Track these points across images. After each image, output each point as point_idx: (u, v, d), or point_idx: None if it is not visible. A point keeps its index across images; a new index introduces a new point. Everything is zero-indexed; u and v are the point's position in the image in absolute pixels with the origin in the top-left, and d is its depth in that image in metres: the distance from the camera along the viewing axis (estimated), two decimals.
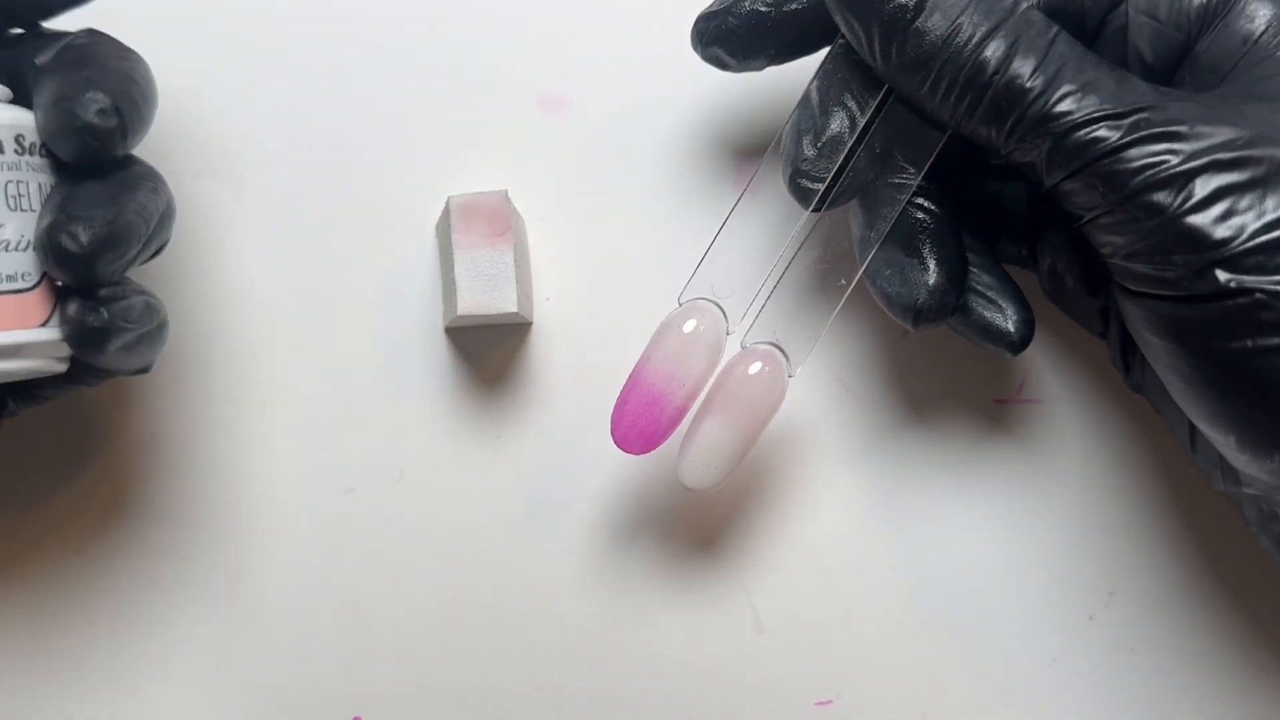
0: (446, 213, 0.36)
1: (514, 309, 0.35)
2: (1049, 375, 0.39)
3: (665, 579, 0.38)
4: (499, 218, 0.35)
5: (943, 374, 0.39)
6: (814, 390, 0.39)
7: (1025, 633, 0.38)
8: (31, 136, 0.32)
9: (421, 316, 0.39)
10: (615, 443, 0.34)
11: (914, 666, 0.38)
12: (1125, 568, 0.38)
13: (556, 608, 0.38)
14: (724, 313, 0.34)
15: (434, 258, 0.39)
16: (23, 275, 0.31)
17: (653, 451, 0.34)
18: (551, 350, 0.39)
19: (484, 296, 0.35)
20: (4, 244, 0.31)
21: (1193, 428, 0.33)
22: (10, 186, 0.31)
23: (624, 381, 0.34)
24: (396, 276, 0.39)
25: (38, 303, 0.31)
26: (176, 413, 0.39)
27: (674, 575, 0.38)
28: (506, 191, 0.35)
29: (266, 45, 0.40)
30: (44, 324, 0.31)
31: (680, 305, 0.34)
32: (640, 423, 0.34)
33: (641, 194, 0.39)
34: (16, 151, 0.32)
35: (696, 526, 0.38)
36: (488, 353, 0.39)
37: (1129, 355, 0.34)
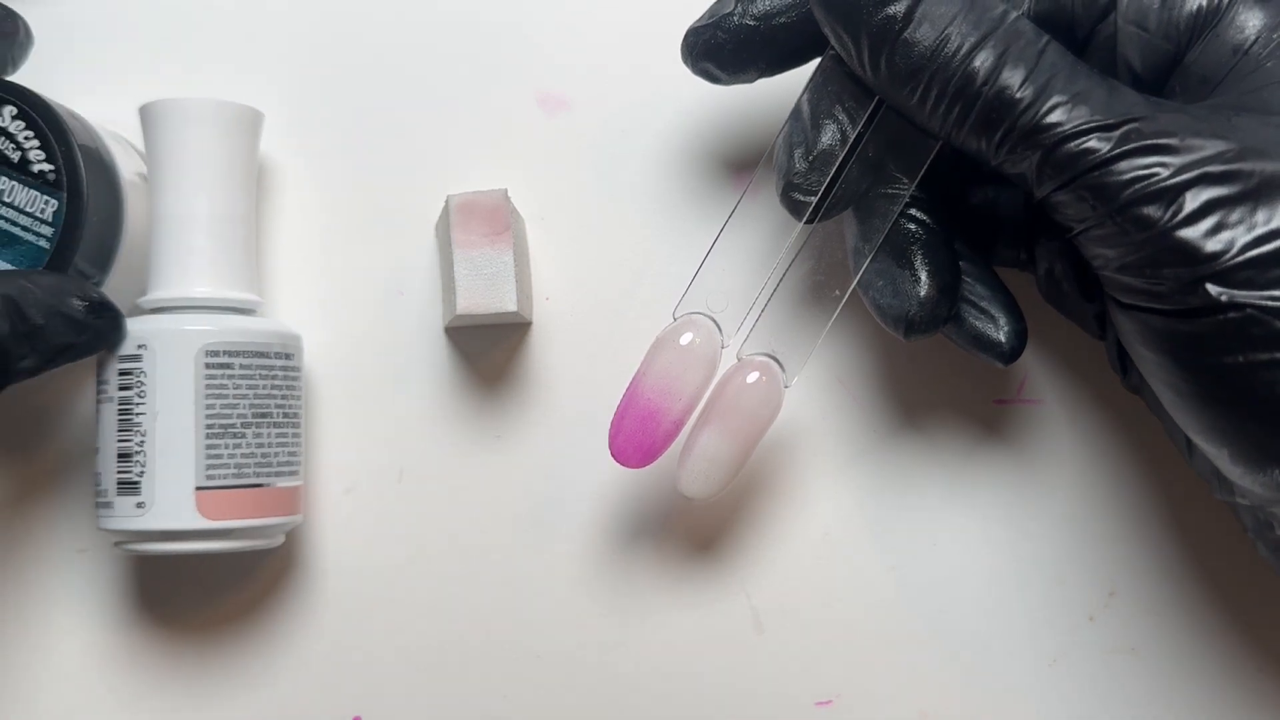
0: (446, 212, 0.36)
1: (514, 308, 0.35)
2: (1049, 376, 0.38)
3: (665, 579, 0.38)
4: (498, 217, 0.35)
5: (942, 376, 0.39)
6: (813, 392, 0.38)
7: (1025, 633, 0.38)
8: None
9: (421, 316, 0.39)
10: (613, 456, 0.34)
11: (914, 666, 0.38)
12: (1125, 568, 0.38)
13: (556, 607, 0.38)
14: (719, 326, 0.34)
15: (434, 258, 0.39)
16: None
17: (651, 465, 0.34)
18: (551, 350, 0.39)
19: (484, 296, 0.35)
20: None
21: (1187, 437, 0.33)
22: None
23: (621, 394, 0.34)
24: (396, 276, 0.39)
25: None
26: None
27: (674, 576, 0.38)
28: (506, 191, 0.35)
29: (265, 46, 0.40)
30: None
31: (675, 320, 0.34)
32: (637, 437, 0.34)
33: (641, 193, 0.39)
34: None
35: (696, 527, 0.38)
36: (488, 353, 0.39)
37: (1126, 357, 0.34)
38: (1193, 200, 0.28)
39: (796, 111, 0.33)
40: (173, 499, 0.34)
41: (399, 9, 0.40)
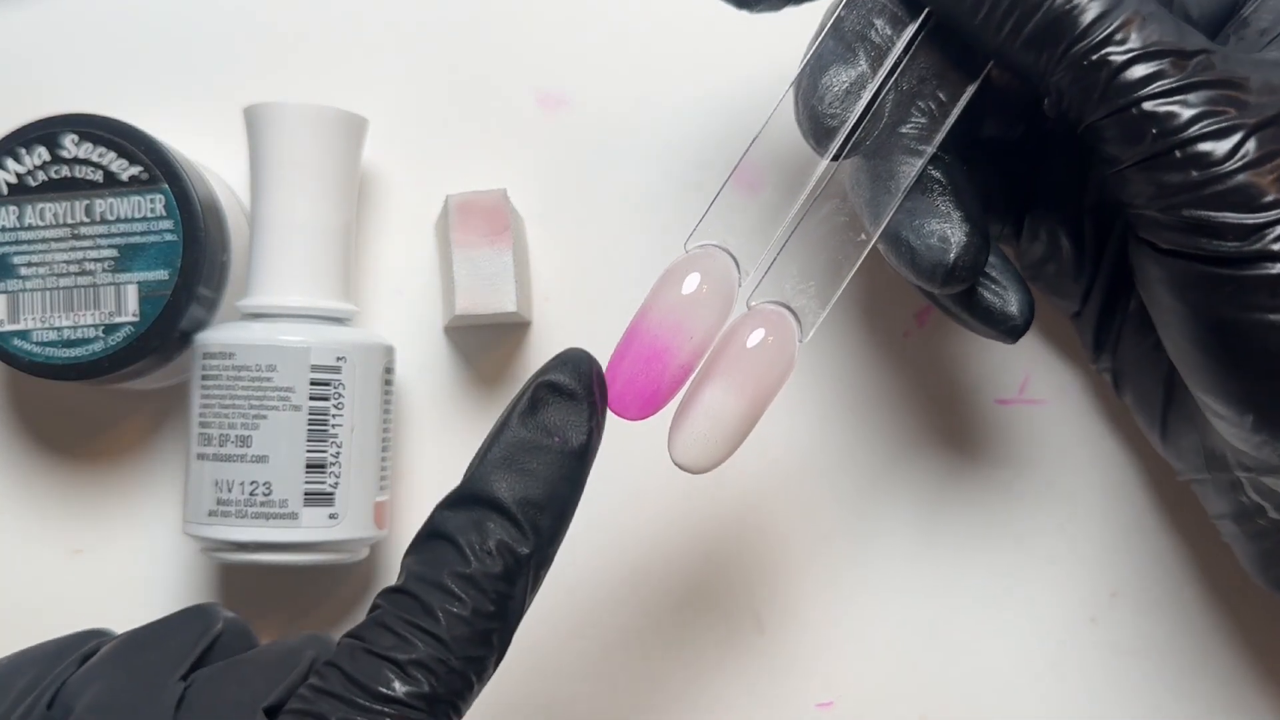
0: (446, 212, 0.36)
1: (513, 308, 0.35)
2: (1051, 375, 0.38)
3: (666, 580, 0.38)
4: (498, 217, 0.35)
5: (944, 376, 0.38)
6: (814, 392, 0.38)
7: (1026, 633, 0.38)
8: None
9: (421, 316, 0.39)
10: (609, 406, 0.30)
11: (914, 667, 0.38)
12: (1127, 568, 0.38)
13: (555, 608, 0.38)
14: (736, 261, 0.30)
15: (434, 257, 0.39)
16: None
17: (652, 417, 0.29)
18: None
19: (483, 296, 0.35)
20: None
21: (1164, 414, 0.31)
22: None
23: (620, 337, 0.30)
24: (396, 276, 0.39)
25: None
26: (177, 414, 0.39)
27: (675, 576, 0.38)
28: (505, 190, 0.35)
29: (265, 45, 0.40)
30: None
31: (687, 252, 0.30)
32: (639, 381, 0.29)
33: (641, 192, 0.39)
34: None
35: (698, 528, 0.38)
36: (488, 353, 0.39)
37: (1102, 336, 0.33)
38: (1259, 145, 0.26)
39: (830, 29, 0.30)
40: (361, 510, 0.34)
41: (398, 9, 0.40)
